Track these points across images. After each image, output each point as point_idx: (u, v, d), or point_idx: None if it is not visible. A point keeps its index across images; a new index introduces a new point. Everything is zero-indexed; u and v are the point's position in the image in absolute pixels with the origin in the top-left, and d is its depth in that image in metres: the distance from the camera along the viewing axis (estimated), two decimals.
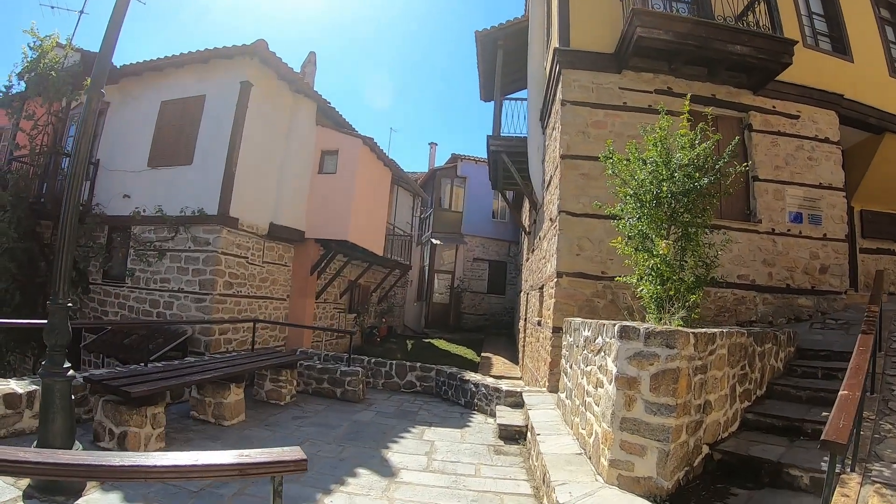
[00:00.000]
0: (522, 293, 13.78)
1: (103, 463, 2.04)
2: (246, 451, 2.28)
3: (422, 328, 19.55)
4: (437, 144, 27.53)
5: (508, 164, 10.25)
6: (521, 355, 11.98)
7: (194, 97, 10.22)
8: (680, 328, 3.88)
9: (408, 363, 9.36)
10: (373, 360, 9.46)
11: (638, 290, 5.36)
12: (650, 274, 5.20)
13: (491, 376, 9.48)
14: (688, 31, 7.56)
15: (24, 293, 9.27)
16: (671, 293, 5.11)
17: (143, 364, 7.14)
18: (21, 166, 10.44)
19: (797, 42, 7.84)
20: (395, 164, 15.09)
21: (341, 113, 12.87)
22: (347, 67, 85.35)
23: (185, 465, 2.12)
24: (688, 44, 7.59)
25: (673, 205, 5.20)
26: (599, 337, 4.50)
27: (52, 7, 10.53)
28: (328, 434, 6.34)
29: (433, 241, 19.84)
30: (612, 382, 3.92)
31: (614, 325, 4.11)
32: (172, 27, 73.52)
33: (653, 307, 5.25)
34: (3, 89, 10.80)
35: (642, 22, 7.37)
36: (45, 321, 4.10)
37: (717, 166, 5.40)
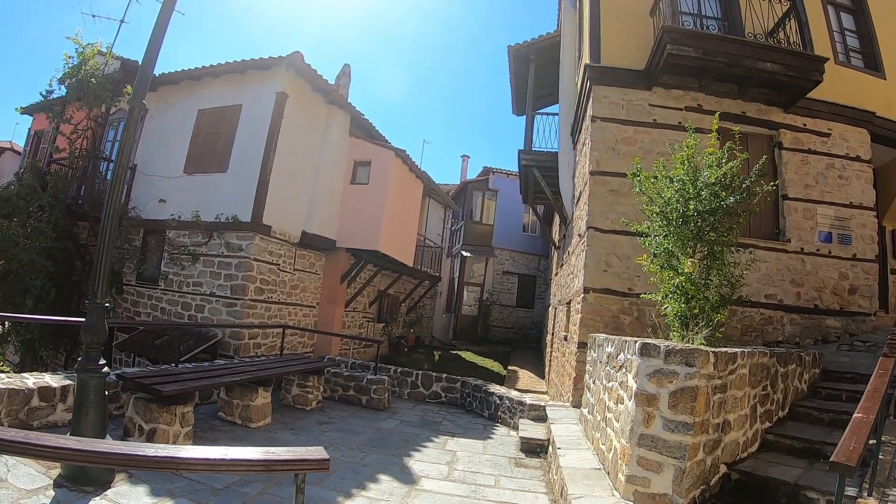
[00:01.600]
0: (550, 308, 13.90)
1: (137, 453, 2.21)
2: (272, 449, 2.39)
3: (449, 340, 19.78)
4: (469, 157, 28.03)
5: (539, 178, 10.44)
6: (547, 370, 12.11)
7: (231, 106, 10.64)
8: (700, 347, 4.01)
9: (434, 374, 9.59)
10: (399, 370, 9.73)
11: (663, 307, 5.51)
12: (675, 292, 5.31)
13: (516, 389, 9.64)
14: (717, 48, 7.68)
15: (60, 291, 9.79)
16: (696, 311, 5.26)
17: (173, 364, 7.45)
18: (60, 169, 10.99)
19: (828, 59, 7.88)
20: (426, 176, 15.35)
21: (374, 124, 13.17)
22: (383, 80, 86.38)
23: (214, 459, 2.24)
24: (717, 61, 7.70)
25: (699, 223, 5.32)
26: (622, 353, 4.63)
27: (94, 15, 11.24)
28: (352, 440, 6.56)
29: (463, 253, 20.10)
30: (632, 399, 4.05)
31: (636, 342, 4.24)
32: (211, 37, 75.25)
33: (677, 325, 5.36)
34: (45, 94, 11.35)
35: (672, 39, 7.51)
36: (81, 319, 4.33)
37: (744, 185, 5.52)
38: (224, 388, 6.68)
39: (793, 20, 8.12)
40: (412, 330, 18.02)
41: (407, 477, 5.31)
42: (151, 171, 11.05)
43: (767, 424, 5.20)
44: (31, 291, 9.59)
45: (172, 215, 10.55)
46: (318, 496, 4.52)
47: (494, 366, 14.47)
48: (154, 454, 2.17)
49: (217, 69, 10.61)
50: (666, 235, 5.49)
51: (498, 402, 8.35)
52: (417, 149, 39.82)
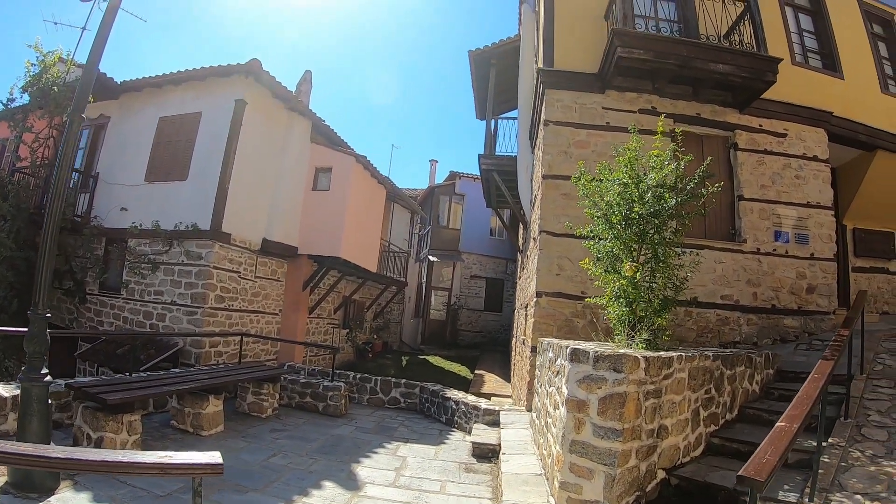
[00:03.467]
0: (515, 311, 13.83)
1: (44, 454, 2.33)
2: (169, 453, 2.45)
3: (418, 344, 19.62)
4: (437, 161, 27.71)
5: (499, 182, 10.34)
6: (512, 373, 12.02)
7: (191, 114, 10.50)
8: (628, 352, 3.88)
9: (392, 379, 9.46)
10: (358, 376, 9.58)
11: (607, 312, 5.41)
12: (617, 295, 5.23)
13: (482, 394, 9.51)
14: (668, 51, 7.62)
15: (22, 301, 9.54)
16: (641, 315, 5.15)
17: (128, 374, 7.27)
18: (22, 178, 10.77)
19: (782, 60, 7.82)
20: (389, 182, 15.25)
21: (336, 130, 13.09)
22: (349, 83, 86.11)
23: (112, 461, 2.38)
24: (669, 63, 7.63)
25: (643, 226, 5.22)
26: (559, 358, 4.54)
27: (56, 23, 10.91)
28: (303, 447, 6.48)
29: (430, 257, 19.96)
30: (564, 404, 3.96)
31: (567, 347, 4.15)
32: (182, 43, 74.82)
33: (620, 329, 5.28)
34: (6, 102, 11.12)
35: (622, 42, 7.44)
36: (24, 329, 4.32)
37: (688, 187, 5.42)
38: (176, 397, 6.62)
39: (748, 22, 8.10)
40: (375, 336, 17.80)
41: (351, 483, 5.26)
42: (113, 180, 10.86)
43: (713, 428, 5.08)
44: None
45: (133, 224, 10.38)
46: (259, 502, 4.53)
47: (462, 370, 14.33)
48: (56, 456, 2.32)
49: (178, 76, 10.48)
50: (609, 239, 5.39)
51: (454, 406, 8.22)
52: (386, 154, 39.84)
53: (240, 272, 10.70)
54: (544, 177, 7.78)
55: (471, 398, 8.33)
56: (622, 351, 3.94)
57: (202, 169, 10.16)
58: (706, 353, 4.97)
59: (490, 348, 18.95)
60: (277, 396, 8.19)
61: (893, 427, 4.48)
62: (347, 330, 15.44)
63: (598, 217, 5.53)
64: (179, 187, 10.28)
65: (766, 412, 5.44)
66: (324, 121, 12.55)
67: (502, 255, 21.36)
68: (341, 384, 8.53)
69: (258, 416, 7.77)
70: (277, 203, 11.44)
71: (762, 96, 8.23)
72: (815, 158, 8.58)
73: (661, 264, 5.34)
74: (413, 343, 20.24)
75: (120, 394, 5.35)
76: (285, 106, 11.65)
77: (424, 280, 20.64)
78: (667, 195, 5.28)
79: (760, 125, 8.45)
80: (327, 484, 5.13)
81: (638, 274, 5.21)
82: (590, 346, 4.28)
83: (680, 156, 5.62)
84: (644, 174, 5.45)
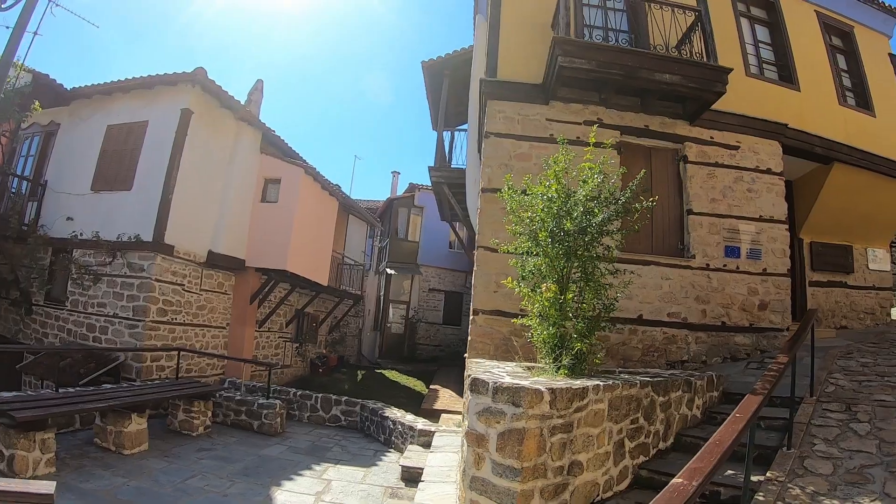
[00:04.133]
0: None
1: None
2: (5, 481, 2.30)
3: (376, 358, 19.19)
4: (399, 173, 27.30)
5: (449, 195, 10.01)
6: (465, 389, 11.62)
7: (138, 122, 10.16)
8: (526, 385, 3.53)
9: (333, 397, 9.12)
10: (299, 393, 9.25)
11: (532, 333, 5.10)
12: (541, 316, 4.91)
13: (435, 410, 9.03)
14: (613, 60, 7.33)
15: None
16: (566, 337, 4.84)
17: (74, 388, 7.21)
18: None
19: (732, 70, 7.52)
20: (342, 194, 14.90)
21: (288, 141, 12.80)
22: (313, 94, 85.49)
23: None
24: (614, 73, 7.34)
25: (570, 243, 4.87)
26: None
27: (7, 27, 10.60)
28: (225, 468, 6.23)
29: (388, 270, 19.53)
30: (465, 437, 3.71)
31: (470, 376, 3.87)
32: (157, 52, 74.29)
33: (545, 352, 4.94)
34: None
35: (564, 51, 7.15)
36: None
37: (620, 201, 5.11)
38: (99, 414, 6.44)
39: (698, 32, 7.83)
40: (325, 350, 17.31)
41: None
42: (61, 188, 10.47)
43: (642, 459, 4.68)
44: None
45: (73, 233, 10.01)
46: None
47: (418, 384, 13.94)
48: None
49: (126, 84, 10.18)
50: (536, 255, 5.04)
51: (392, 426, 7.87)
52: (349, 165, 39.16)
53: (184, 285, 10.34)
54: (483, 190, 7.47)
55: (409, 417, 7.94)
56: (523, 384, 3.56)
57: (146, 179, 9.81)
58: (632, 380, 4.58)
59: (448, 362, 18.44)
60: (210, 414, 7.89)
61: (841, 458, 4.06)
62: (298, 344, 14.96)
63: (520, 233, 5.22)
64: (124, 197, 9.92)
65: (705, 439, 5.04)
66: (274, 131, 12.26)
67: (461, 268, 20.85)
68: (276, 402, 8.19)
69: (188, 434, 7.51)
70: (224, 215, 11.06)
71: (714, 108, 7.96)
72: (768, 171, 8.30)
73: (589, 284, 5.04)
74: (371, 357, 19.80)
75: (31, 411, 5.16)
76: (234, 115, 11.29)
77: (383, 293, 20.23)
78: (596, 210, 4.97)
79: (712, 137, 8.16)
80: None
81: (567, 294, 4.91)
82: (492, 376, 3.91)
83: (609, 169, 5.27)
84: (574, 189, 5.15)
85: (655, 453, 4.76)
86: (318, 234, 13.42)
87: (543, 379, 4.19)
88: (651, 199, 5.55)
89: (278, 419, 8.10)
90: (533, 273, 5.06)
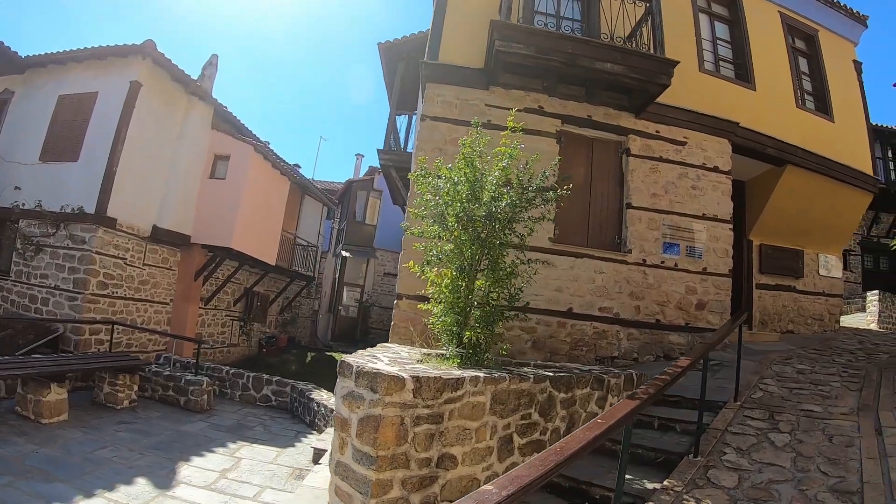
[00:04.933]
0: None
1: None
2: None
3: (328, 341, 18.90)
4: (363, 156, 26.32)
5: (397, 179, 9.75)
6: None
7: (88, 93, 9.94)
8: (383, 371, 3.28)
9: (265, 376, 8.91)
10: (231, 371, 9.05)
11: (432, 320, 4.86)
12: (439, 302, 4.72)
13: None
14: (553, 47, 7.05)
15: None
16: (465, 325, 4.61)
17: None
18: None
19: (677, 63, 7.23)
20: (293, 173, 14.61)
21: (240, 118, 12.65)
22: (280, 74, 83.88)
23: None
24: (553, 60, 7.06)
25: (478, 228, 4.64)
26: None
27: None
28: (140, 441, 6.14)
29: (343, 253, 19.22)
30: (333, 420, 3.64)
31: (342, 358, 3.66)
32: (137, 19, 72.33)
33: (447, 340, 4.75)
34: None
35: (502, 35, 6.88)
36: None
37: (531, 188, 4.86)
38: (21, 383, 6.35)
39: (649, 23, 7.54)
40: (270, 330, 16.91)
41: (165, 482, 4.98)
42: (12, 157, 10.23)
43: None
44: None
45: (15, 202, 9.80)
46: (59, 494, 4.38)
47: None
48: None
49: (80, 54, 9.96)
50: (441, 240, 4.82)
51: (316, 408, 7.65)
52: (314, 146, 38.28)
53: (126, 259, 10.11)
54: (414, 174, 7.19)
55: (333, 400, 7.70)
56: (384, 369, 3.32)
57: (93, 151, 9.58)
58: (525, 374, 4.30)
59: None
60: (136, 388, 7.74)
61: (749, 470, 3.73)
62: (242, 323, 14.56)
63: (423, 216, 4.99)
64: (71, 168, 9.70)
65: (613, 441, 4.71)
66: (226, 107, 12.04)
67: None
68: (204, 379, 8.01)
69: (113, 406, 7.41)
70: (171, 189, 10.84)
71: (662, 102, 7.72)
72: (715, 169, 8.04)
73: (493, 272, 4.82)
74: (325, 339, 19.45)
75: None
76: (185, 90, 11.06)
77: (338, 275, 19.87)
78: (505, 196, 4.72)
79: (657, 131, 7.89)
80: (140, 481, 4.89)
81: (475, 282, 4.68)
82: (360, 360, 3.67)
83: (520, 155, 5.02)
84: (480, 173, 4.91)
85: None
86: (268, 213, 13.16)
87: (424, 367, 3.96)
88: (566, 188, 5.34)
89: (205, 396, 7.90)
90: (440, 258, 4.82)
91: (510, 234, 4.90)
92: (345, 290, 19.36)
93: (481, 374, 3.76)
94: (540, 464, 2.53)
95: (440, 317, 4.79)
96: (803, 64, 9.62)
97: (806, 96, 9.38)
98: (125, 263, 10.09)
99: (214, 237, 11.41)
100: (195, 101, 11.32)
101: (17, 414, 6.24)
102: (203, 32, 78.38)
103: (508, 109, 7.44)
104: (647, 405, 3.46)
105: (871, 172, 9.54)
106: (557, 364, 5.99)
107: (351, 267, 19.57)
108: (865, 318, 11.93)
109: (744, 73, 8.77)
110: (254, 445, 6.64)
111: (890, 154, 14.49)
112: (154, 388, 8.20)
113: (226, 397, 8.79)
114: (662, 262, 7.56)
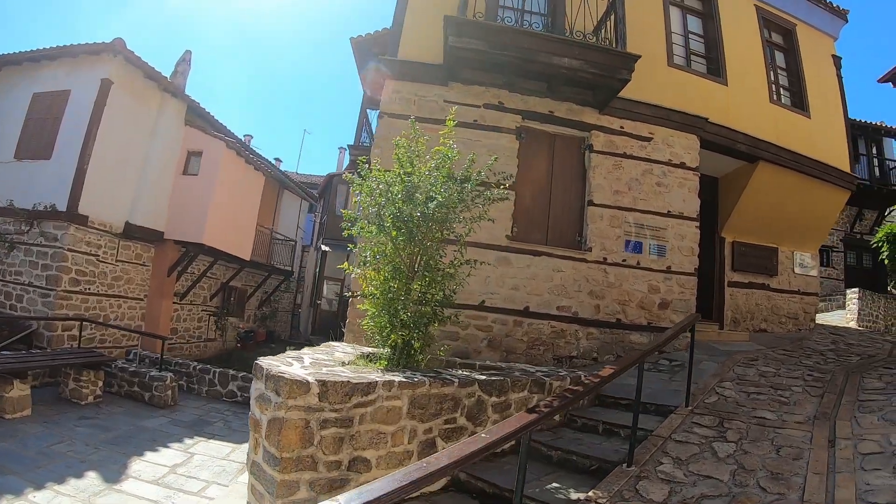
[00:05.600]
0: None
1: None
2: None
3: (308, 335, 18.77)
4: (346, 149, 26.00)
5: None
6: None
7: (61, 91, 9.94)
8: (292, 375, 3.23)
9: (231, 372, 8.85)
10: (198, 367, 9.01)
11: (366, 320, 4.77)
12: (373, 303, 4.64)
13: None
14: (509, 42, 6.82)
15: None
16: (398, 325, 4.48)
17: None
18: None
19: (638, 57, 6.96)
20: (270, 168, 14.59)
21: (212, 113, 12.60)
22: (270, 64, 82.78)
23: None
24: (509, 55, 6.84)
25: (413, 230, 4.51)
26: None
27: None
28: (98, 436, 6.17)
29: (323, 247, 18.94)
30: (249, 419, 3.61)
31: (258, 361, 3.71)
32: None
33: (378, 340, 4.70)
34: None
35: (456, 31, 6.67)
36: None
37: (466, 188, 4.70)
38: None
39: (612, 17, 7.31)
40: (253, 325, 16.83)
41: (114, 476, 5.02)
42: None
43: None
44: None
45: None
46: (10, 485, 4.48)
47: None
48: None
49: (53, 52, 9.97)
50: (373, 240, 4.74)
51: None
52: (297, 140, 37.40)
53: (98, 255, 10.13)
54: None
55: None
56: (287, 373, 3.27)
57: (65, 148, 9.61)
58: (449, 378, 4.16)
59: None
60: (101, 384, 7.73)
61: (682, 483, 3.49)
62: (216, 318, 14.42)
63: (356, 218, 4.86)
64: (44, 166, 9.70)
65: (549, 447, 4.44)
66: (199, 103, 12.01)
67: None
68: (168, 375, 7.98)
69: (77, 402, 7.42)
70: (144, 186, 10.83)
71: (628, 97, 7.51)
72: (682, 165, 7.80)
73: (426, 273, 4.72)
74: (305, 333, 19.37)
75: None
76: (158, 87, 11.04)
77: (317, 270, 19.63)
78: (440, 195, 4.58)
79: (622, 127, 7.67)
80: (90, 474, 4.95)
81: (413, 283, 4.56)
82: (272, 362, 3.64)
83: (447, 151, 4.90)
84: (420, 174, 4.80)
85: (485, 457, 4.31)
86: (241, 209, 13.09)
87: (345, 370, 3.87)
88: (502, 186, 5.23)
89: (169, 392, 7.86)
90: (376, 258, 4.73)
91: (448, 234, 4.78)
92: (325, 284, 19.15)
93: (397, 378, 3.66)
94: (402, 478, 2.40)
95: (372, 318, 4.68)
96: (780, 58, 9.33)
97: (782, 91, 9.10)
98: (98, 260, 10.11)
99: (186, 233, 11.39)
100: (168, 97, 11.27)
101: None
102: (194, 25, 77.91)
103: (467, 105, 7.40)
104: (543, 422, 3.29)
105: (848, 169, 9.24)
106: (505, 365, 5.82)
107: (331, 261, 19.20)
108: (845, 315, 11.63)
109: (715, 68, 8.50)
110: (210, 441, 6.60)
111: (874, 150, 14.12)
112: (120, 384, 8.17)
113: (192, 393, 8.76)
114: (624, 261, 7.36)
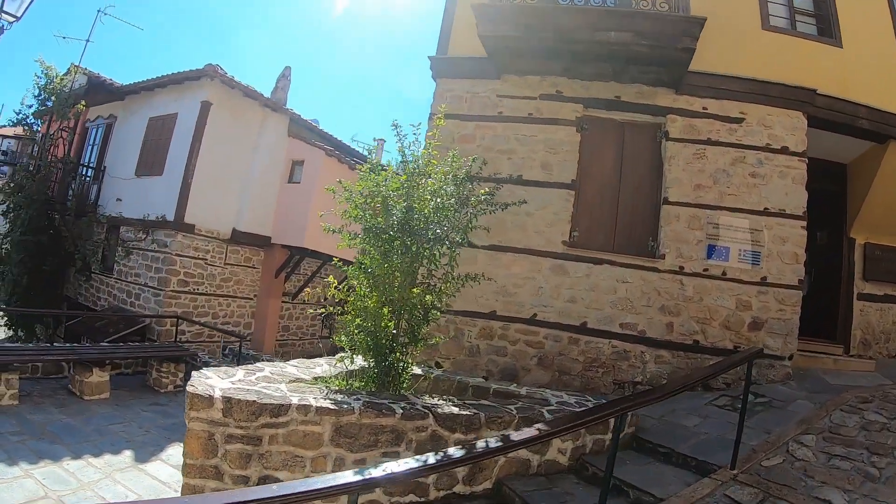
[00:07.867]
0: None
1: None
2: None
3: None
4: (384, 140, 25.02)
5: None
6: None
7: (170, 114, 10.73)
8: (196, 390, 3.17)
9: None
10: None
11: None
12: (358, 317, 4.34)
13: None
14: (542, 22, 5.78)
15: (31, 278, 10.49)
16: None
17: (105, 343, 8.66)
18: (35, 173, 11.36)
19: (704, 20, 5.56)
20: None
21: (317, 122, 13.02)
22: (344, 72, 79.47)
23: None
24: (547, 37, 5.79)
25: (407, 243, 4.26)
26: None
27: (64, 37, 13.07)
28: (157, 421, 6.31)
29: None
30: None
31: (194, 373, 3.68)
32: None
33: (367, 358, 4.37)
34: (17, 111, 11.81)
35: (483, 18, 5.86)
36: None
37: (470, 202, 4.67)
38: (73, 366, 7.02)
39: None
40: None
41: (145, 456, 5.07)
42: (115, 173, 11.48)
43: (413, 498, 3.49)
44: (7, 277, 10.38)
45: (119, 213, 10.97)
46: (53, 452, 4.68)
47: None
48: None
49: (162, 80, 10.74)
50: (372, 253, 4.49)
51: None
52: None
53: (206, 259, 10.77)
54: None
55: None
56: (198, 387, 3.21)
57: (173, 165, 10.35)
58: (391, 408, 3.51)
59: None
60: (181, 375, 8.03)
61: None
62: (323, 317, 13.99)
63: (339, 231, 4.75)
64: (157, 181, 10.51)
65: (537, 491, 3.57)
66: (300, 116, 12.28)
67: None
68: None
69: (157, 390, 7.83)
70: (249, 195, 11.36)
71: (709, 71, 6.12)
72: (783, 151, 6.12)
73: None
74: None
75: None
76: (258, 104, 11.44)
77: None
78: (450, 213, 4.37)
79: (705, 108, 6.22)
80: (126, 453, 5.06)
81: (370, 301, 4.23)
82: (203, 374, 3.56)
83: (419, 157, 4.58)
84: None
85: (445, 496, 3.57)
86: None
87: (280, 390, 3.48)
88: (483, 191, 4.83)
89: None
90: (372, 273, 4.44)
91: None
92: None
93: (315, 403, 3.30)
94: None
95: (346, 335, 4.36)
96: None
97: None
98: (206, 263, 10.81)
99: (290, 237, 11.77)
100: (269, 112, 11.75)
101: (68, 391, 6.83)
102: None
103: (522, 98, 6.53)
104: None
105: None
106: (526, 392, 4.82)
107: None
108: None
109: (826, 28, 6.56)
110: None
111: None
112: None
113: None
114: (706, 270, 5.95)
